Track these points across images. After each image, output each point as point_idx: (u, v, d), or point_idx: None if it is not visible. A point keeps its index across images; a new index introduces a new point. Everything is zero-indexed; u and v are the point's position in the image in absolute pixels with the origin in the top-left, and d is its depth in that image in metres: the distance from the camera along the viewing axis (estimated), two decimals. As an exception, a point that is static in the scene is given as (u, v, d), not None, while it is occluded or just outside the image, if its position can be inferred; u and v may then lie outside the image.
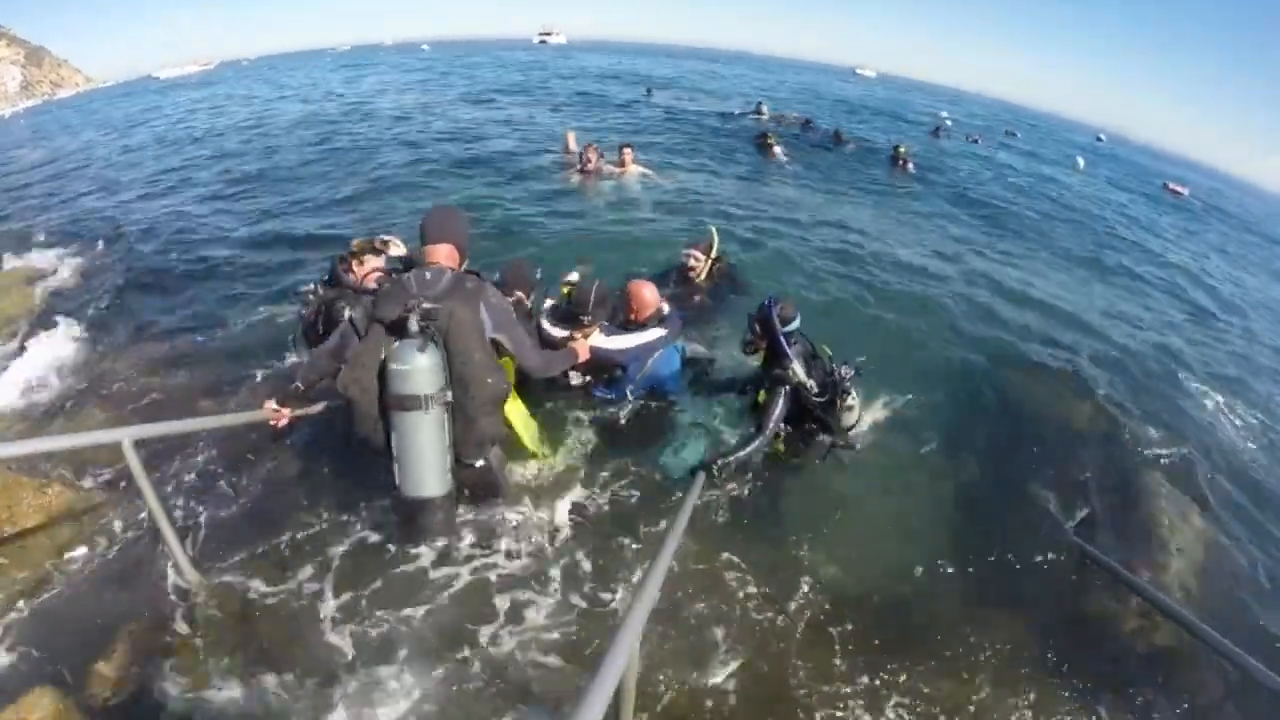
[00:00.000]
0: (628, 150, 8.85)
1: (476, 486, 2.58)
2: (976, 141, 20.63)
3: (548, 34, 76.14)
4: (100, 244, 7.08)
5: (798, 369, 2.78)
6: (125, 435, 2.27)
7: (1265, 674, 2.05)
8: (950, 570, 3.11)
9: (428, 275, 2.24)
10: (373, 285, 3.02)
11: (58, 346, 4.72)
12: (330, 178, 9.49)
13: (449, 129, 12.87)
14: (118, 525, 2.96)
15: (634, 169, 8.88)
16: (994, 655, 2.70)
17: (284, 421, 2.60)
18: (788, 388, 2.83)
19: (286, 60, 58.20)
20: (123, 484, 3.11)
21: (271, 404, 2.54)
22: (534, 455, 3.18)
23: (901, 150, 12.91)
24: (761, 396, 2.96)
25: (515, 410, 2.92)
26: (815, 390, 2.81)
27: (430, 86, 21.43)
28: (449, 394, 2.18)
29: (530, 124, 13.71)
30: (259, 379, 4.16)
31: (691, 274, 4.51)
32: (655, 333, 3.27)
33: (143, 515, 2.84)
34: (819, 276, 6.43)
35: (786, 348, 2.84)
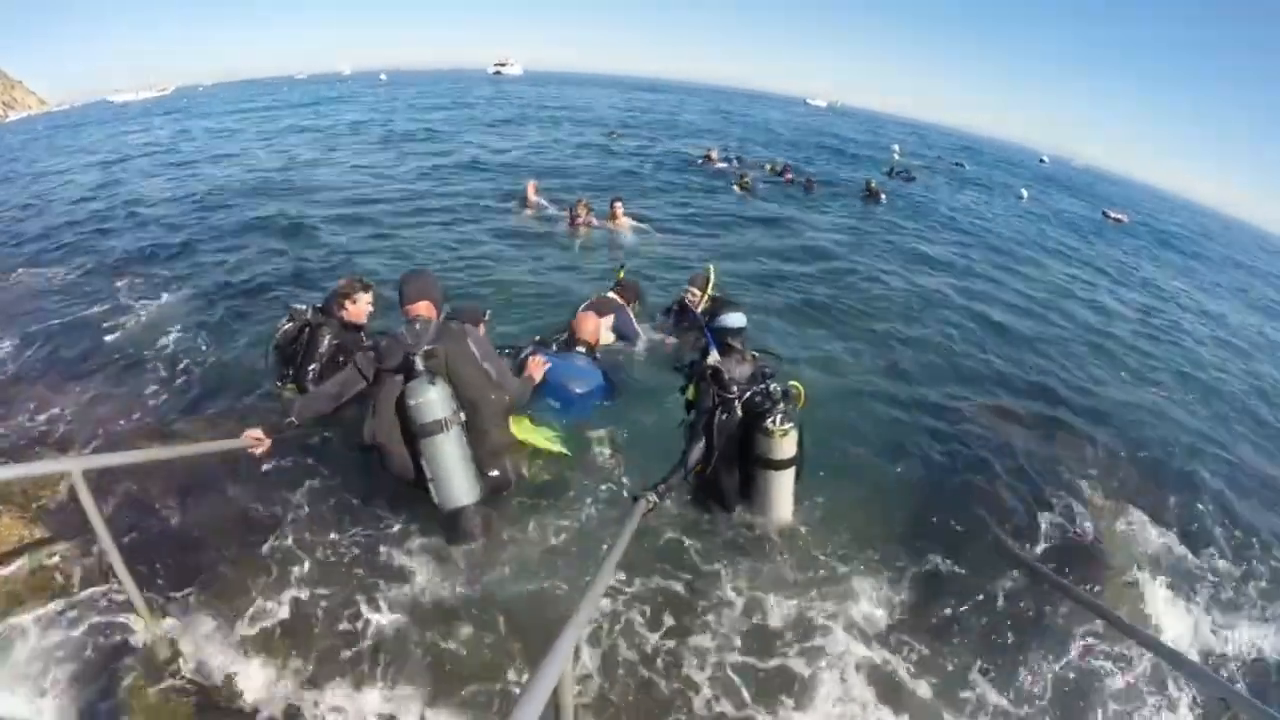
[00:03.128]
0: (618, 204, 8.97)
1: (494, 491, 2.82)
2: (914, 180, 19.39)
3: (503, 64, 78.06)
4: (56, 267, 6.99)
5: (714, 355, 2.88)
6: (75, 465, 2.24)
7: (1203, 671, 2.03)
8: (897, 581, 3.21)
9: (417, 327, 2.63)
10: (364, 320, 3.63)
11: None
12: (290, 231, 8.69)
13: (422, 179, 12.39)
14: (70, 558, 2.87)
15: (624, 221, 8.89)
16: (940, 665, 2.81)
17: (263, 449, 2.69)
18: (710, 382, 2.83)
19: (244, 87, 56.87)
20: (77, 516, 3.03)
21: (255, 432, 2.64)
22: (559, 454, 3.47)
23: (873, 185, 14.61)
24: (691, 393, 3.02)
25: (523, 427, 3.31)
26: (733, 379, 2.81)
27: (394, 128, 20.55)
28: (462, 415, 2.56)
29: (504, 171, 13.45)
30: (209, 409, 4.16)
31: (690, 309, 4.79)
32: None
33: (96, 549, 2.78)
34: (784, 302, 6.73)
35: (708, 333, 2.95)
